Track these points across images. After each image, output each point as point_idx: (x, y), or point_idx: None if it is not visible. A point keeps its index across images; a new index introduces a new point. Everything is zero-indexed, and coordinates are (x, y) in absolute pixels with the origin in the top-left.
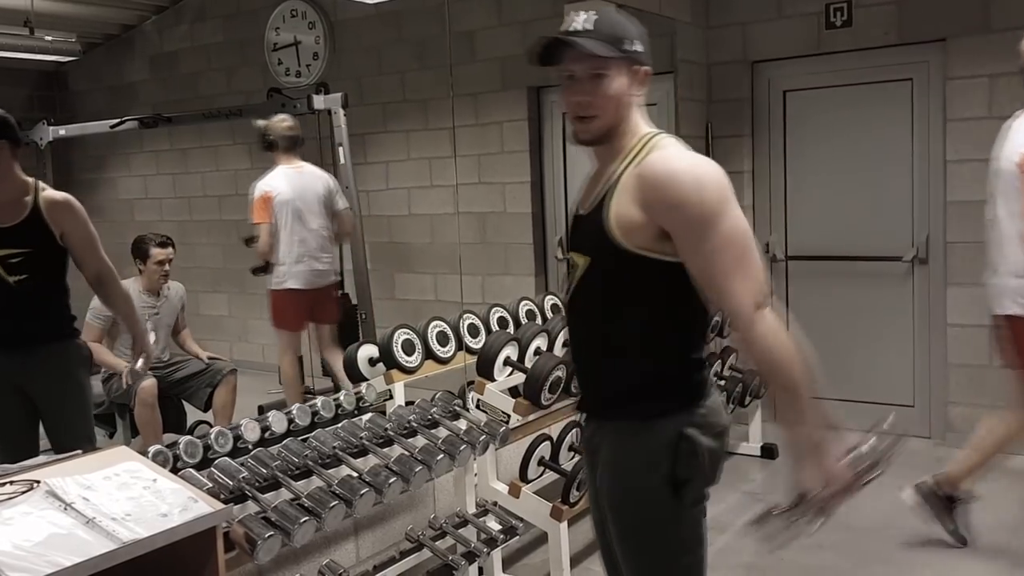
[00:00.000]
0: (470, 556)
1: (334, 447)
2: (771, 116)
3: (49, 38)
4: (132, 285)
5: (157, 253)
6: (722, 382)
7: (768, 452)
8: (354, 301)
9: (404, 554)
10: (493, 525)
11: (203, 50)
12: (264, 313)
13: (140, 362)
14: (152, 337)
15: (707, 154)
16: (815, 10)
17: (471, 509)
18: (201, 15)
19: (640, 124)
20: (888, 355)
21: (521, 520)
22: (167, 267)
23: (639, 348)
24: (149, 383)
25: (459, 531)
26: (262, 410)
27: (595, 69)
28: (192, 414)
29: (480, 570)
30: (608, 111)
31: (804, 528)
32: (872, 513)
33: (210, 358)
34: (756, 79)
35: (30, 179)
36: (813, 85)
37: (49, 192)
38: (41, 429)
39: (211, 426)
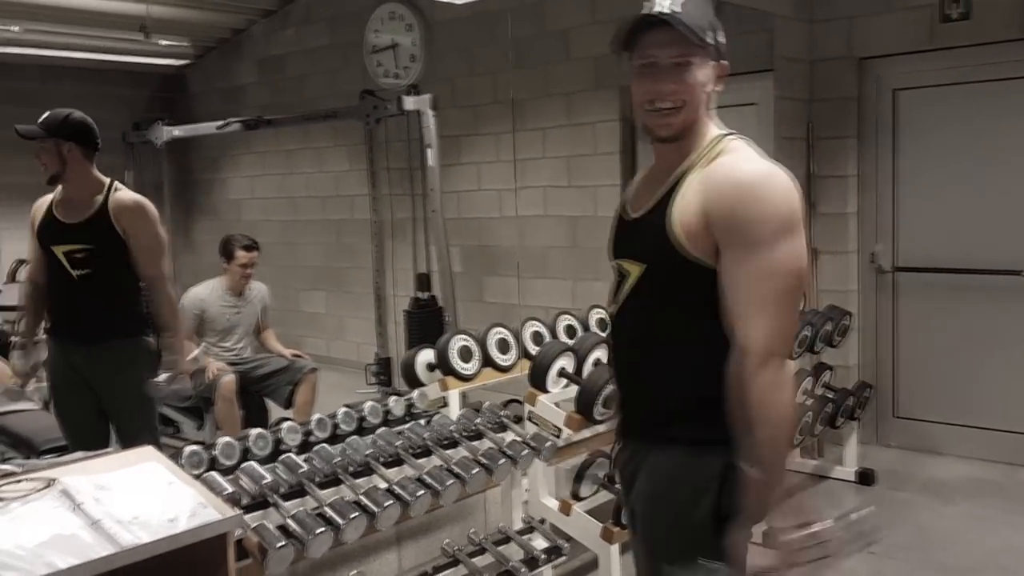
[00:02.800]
0: (508, 575)
1: (366, 455)
2: (879, 116)
3: (164, 42)
4: (217, 284)
5: (241, 256)
6: (809, 401)
7: (864, 477)
8: (440, 303)
9: (438, 569)
10: (539, 543)
11: (308, 53)
12: (360, 312)
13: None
14: (236, 337)
15: (809, 158)
16: (929, 2)
17: (517, 525)
18: (306, 18)
19: (712, 124)
20: (1010, 378)
21: (570, 540)
22: (250, 270)
23: (694, 367)
24: (229, 379)
25: (499, 548)
26: None
27: (682, 56)
28: (275, 411)
29: None
30: (692, 103)
31: None
32: (971, 552)
33: (293, 355)
34: (863, 77)
35: (106, 179)
36: (926, 83)
37: (122, 193)
38: None
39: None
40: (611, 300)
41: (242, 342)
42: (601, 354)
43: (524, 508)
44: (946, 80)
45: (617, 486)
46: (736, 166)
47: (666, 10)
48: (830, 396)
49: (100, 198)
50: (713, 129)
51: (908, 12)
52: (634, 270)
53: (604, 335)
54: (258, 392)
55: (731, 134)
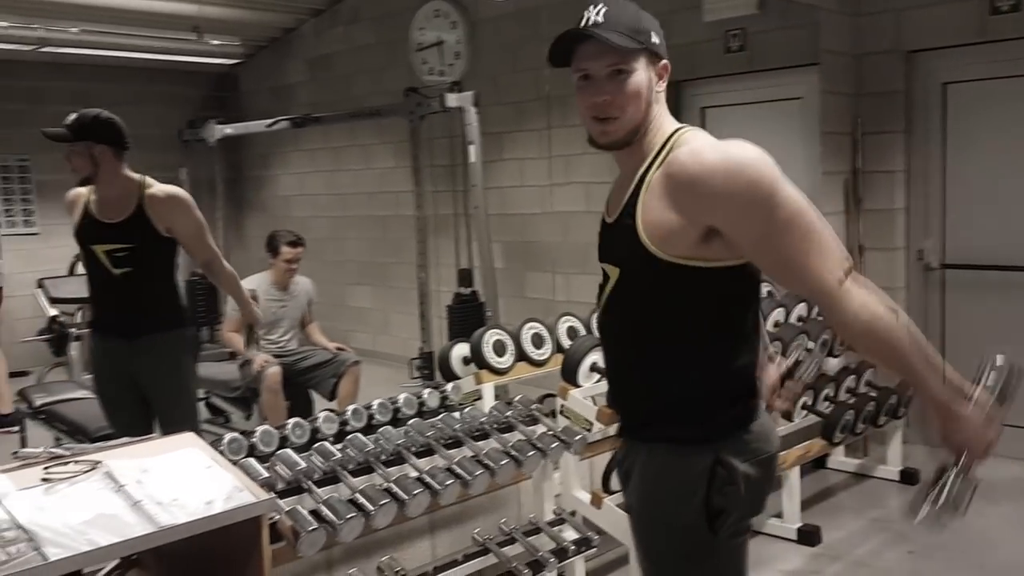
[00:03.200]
0: (536, 565)
1: (398, 444)
2: (928, 110)
3: (216, 42)
4: (263, 278)
5: (287, 251)
6: (853, 399)
7: (908, 477)
8: (482, 299)
9: (468, 557)
10: (569, 535)
11: (355, 51)
12: (405, 307)
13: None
14: (281, 329)
15: (855, 153)
16: None
17: (548, 517)
18: (354, 17)
19: (666, 122)
20: None
21: (601, 533)
22: (295, 265)
23: (675, 366)
24: (275, 370)
25: (529, 539)
26: None
27: (614, 65)
28: (320, 403)
29: None
30: (630, 110)
31: (962, 495)
32: (1012, 553)
33: (337, 348)
34: (911, 70)
35: (137, 176)
36: (977, 76)
37: (155, 189)
38: None
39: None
40: (597, 303)
41: (288, 335)
42: None
43: (556, 501)
44: (997, 73)
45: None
46: (696, 155)
47: (592, 20)
48: (873, 395)
49: (135, 196)
50: (668, 127)
51: (957, 4)
52: (613, 273)
53: None
54: (303, 384)
55: (686, 128)
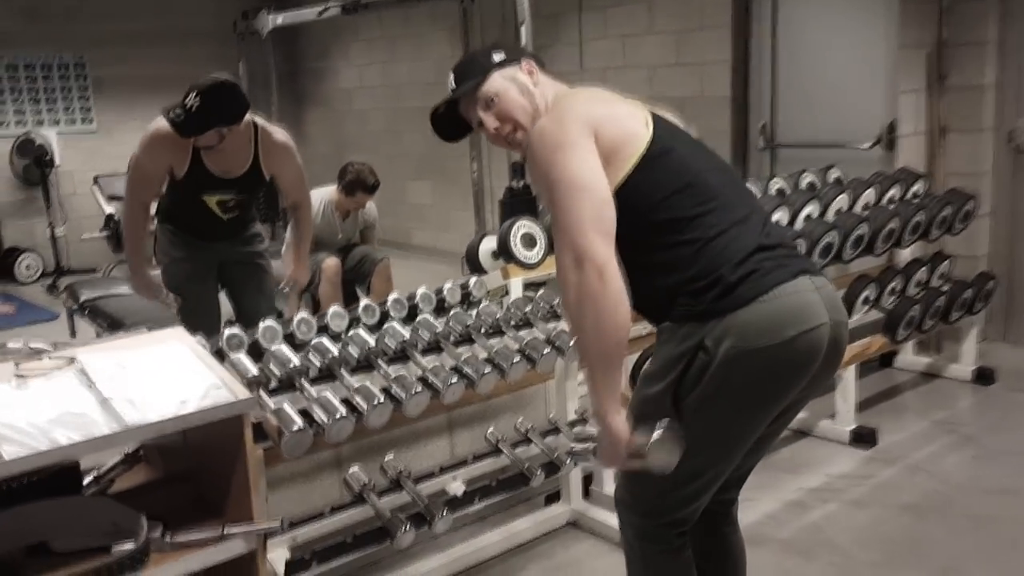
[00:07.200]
0: (551, 467)
1: (403, 341)
2: None
3: None
4: (328, 197)
5: (362, 198)
6: (922, 293)
7: (983, 377)
8: (533, 192)
9: (478, 458)
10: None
11: None
12: (466, 203)
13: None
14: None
15: (940, 23)
16: None
17: (571, 417)
18: None
19: (549, 100)
20: None
21: None
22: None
23: (639, 275)
24: (333, 261)
25: (547, 439)
26: None
27: (484, 105)
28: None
29: (589, 478)
30: (520, 118)
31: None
32: None
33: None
34: None
35: (250, 119)
36: None
37: (271, 137)
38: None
39: None
40: None
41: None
42: None
43: (580, 401)
44: None
45: None
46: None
47: (450, 89)
48: (944, 288)
49: (250, 147)
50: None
51: None
52: None
53: None
54: (349, 280)
55: (558, 98)
